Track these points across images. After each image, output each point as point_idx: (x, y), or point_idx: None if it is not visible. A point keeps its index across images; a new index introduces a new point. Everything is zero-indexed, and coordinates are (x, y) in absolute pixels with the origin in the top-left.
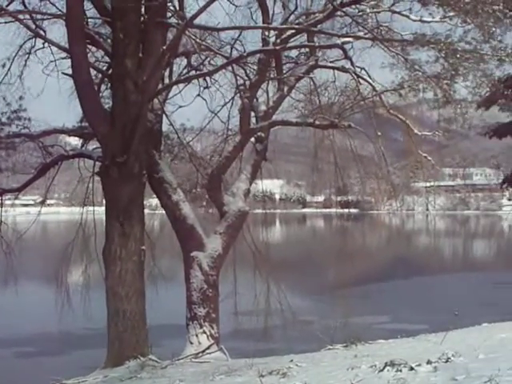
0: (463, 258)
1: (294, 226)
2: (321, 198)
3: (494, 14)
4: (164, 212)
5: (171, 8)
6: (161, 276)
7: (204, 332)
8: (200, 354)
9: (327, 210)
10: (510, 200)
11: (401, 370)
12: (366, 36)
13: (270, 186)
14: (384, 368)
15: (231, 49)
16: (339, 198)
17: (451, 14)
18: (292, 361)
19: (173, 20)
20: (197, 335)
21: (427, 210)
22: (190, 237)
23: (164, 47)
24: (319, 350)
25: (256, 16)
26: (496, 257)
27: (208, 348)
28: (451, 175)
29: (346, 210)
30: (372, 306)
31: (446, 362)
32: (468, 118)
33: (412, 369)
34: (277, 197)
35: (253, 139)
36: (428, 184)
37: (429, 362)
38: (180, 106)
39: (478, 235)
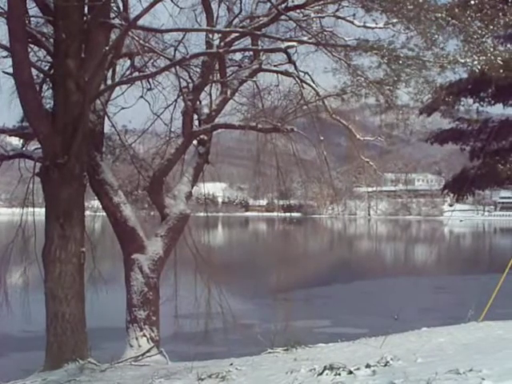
0: (404, 262)
1: (237, 230)
2: (263, 202)
3: (436, 21)
4: (105, 214)
5: (115, 8)
6: (101, 278)
7: (144, 335)
8: (140, 357)
9: (270, 214)
10: (451, 206)
11: (340, 374)
12: (310, 41)
13: (213, 189)
14: (323, 372)
15: (175, 51)
16: (282, 202)
17: (394, 20)
18: (232, 364)
19: (116, 21)
20: (137, 338)
21: (369, 214)
22: (131, 239)
23: (107, 48)
24: (259, 353)
25: (200, 18)
26: (437, 262)
27: (148, 351)
28: (393, 180)
29: (289, 214)
30: (313, 309)
31: (385, 365)
32: (409, 124)
33: (351, 372)
34: (219, 200)
35: (195, 142)
36: (370, 189)
37: (368, 366)
38: (122, 108)
39: (419, 240)
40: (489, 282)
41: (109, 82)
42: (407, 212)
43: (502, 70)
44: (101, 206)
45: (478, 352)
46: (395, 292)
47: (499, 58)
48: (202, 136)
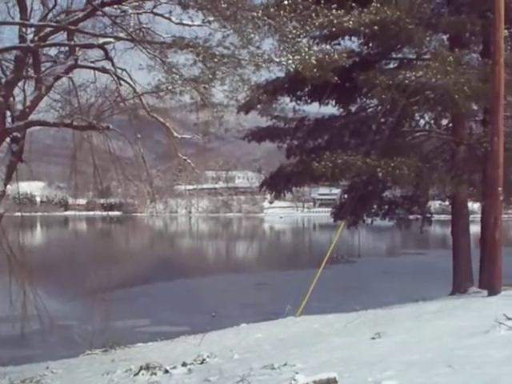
0: (226, 259)
1: (55, 229)
2: (83, 201)
3: (252, 20)
4: None
5: None
6: None
7: None
8: None
9: (90, 213)
10: (271, 203)
11: (156, 373)
12: (125, 37)
13: (30, 188)
14: (139, 372)
15: None
16: (102, 201)
17: (211, 18)
18: (48, 368)
19: None
20: None
21: (190, 212)
22: None
23: None
24: (78, 355)
25: (14, 12)
26: (258, 258)
27: None
28: (214, 178)
29: (109, 213)
30: (134, 309)
31: (202, 363)
32: (224, 122)
33: (167, 371)
34: (38, 199)
35: (8, 140)
36: (191, 187)
37: (184, 364)
38: None
39: (240, 237)
40: (307, 277)
41: None
42: (228, 209)
43: (315, 70)
44: None
45: (294, 346)
46: (217, 289)
47: (313, 58)
48: (15, 133)
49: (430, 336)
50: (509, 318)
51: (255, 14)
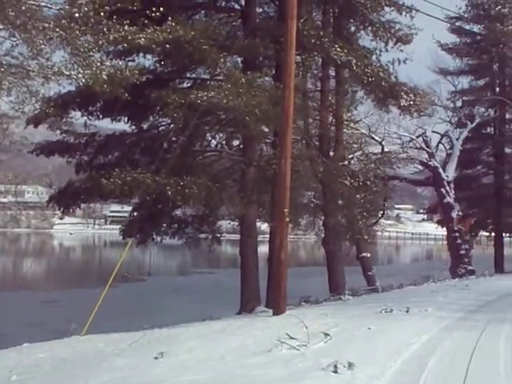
0: (10, 276)
1: None
2: None
3: (43, 31)
4: None
5: None
6: None
7: None
8: None
9: None
10: (61, 219)
11: None
12: None
13: None
14: None
15: None
16: None
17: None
18: None
19: None
20: None
21: None
22: None
23: None
24: None
25: None
26: (44, 275)
27: None
28: (2, 192)
29: None
30: None
31: None
32: (10, 134)
33: None
34: None
35: None
36: None
37: None
38: None
39: (26, 253)
40: (96, 295)
41: None
42: (16, 224)
43: (106, 85)
44: None
45: (76, 366)
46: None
47: (104, 73)
48: None
49: (214, 355)
50: (291, 337)
51: (47, 24)
